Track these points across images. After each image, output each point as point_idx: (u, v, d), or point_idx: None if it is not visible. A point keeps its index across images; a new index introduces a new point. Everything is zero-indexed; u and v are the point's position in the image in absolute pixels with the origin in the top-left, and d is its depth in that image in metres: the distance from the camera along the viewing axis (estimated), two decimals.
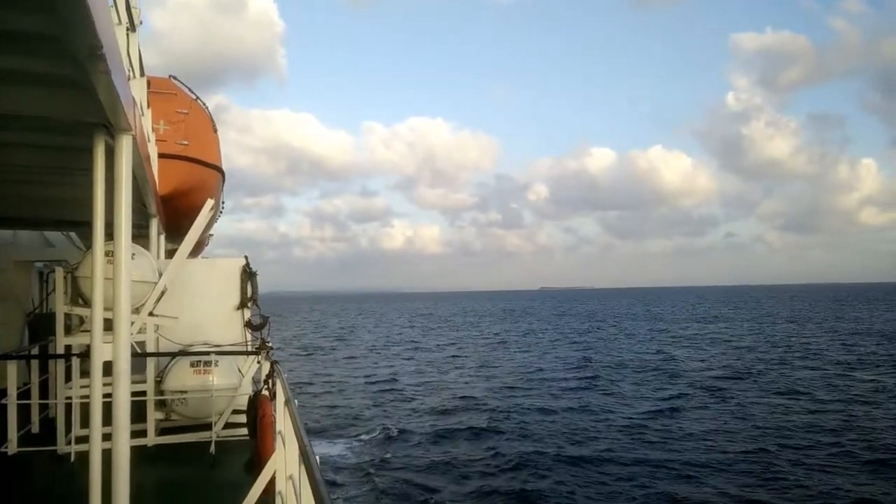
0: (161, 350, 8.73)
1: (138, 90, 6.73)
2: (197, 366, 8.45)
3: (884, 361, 37.99)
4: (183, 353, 8.69)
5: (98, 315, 4.27)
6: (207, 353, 8.53)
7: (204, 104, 15.45)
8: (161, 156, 11.90)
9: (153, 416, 8.28)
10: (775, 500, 14.88)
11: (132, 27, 6.08)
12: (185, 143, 13.81)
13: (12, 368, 7.81)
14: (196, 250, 15.58)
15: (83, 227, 11.10)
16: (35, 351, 9.32)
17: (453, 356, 47.62)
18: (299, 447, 3.35)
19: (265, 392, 7.45)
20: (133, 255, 7.09)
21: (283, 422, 4.67)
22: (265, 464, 5.22)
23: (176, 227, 12.39)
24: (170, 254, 11.42)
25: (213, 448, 7.82)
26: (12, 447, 7.60)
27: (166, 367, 8.64)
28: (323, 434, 21.59)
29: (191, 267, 9.55)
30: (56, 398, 8.15)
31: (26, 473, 7.33)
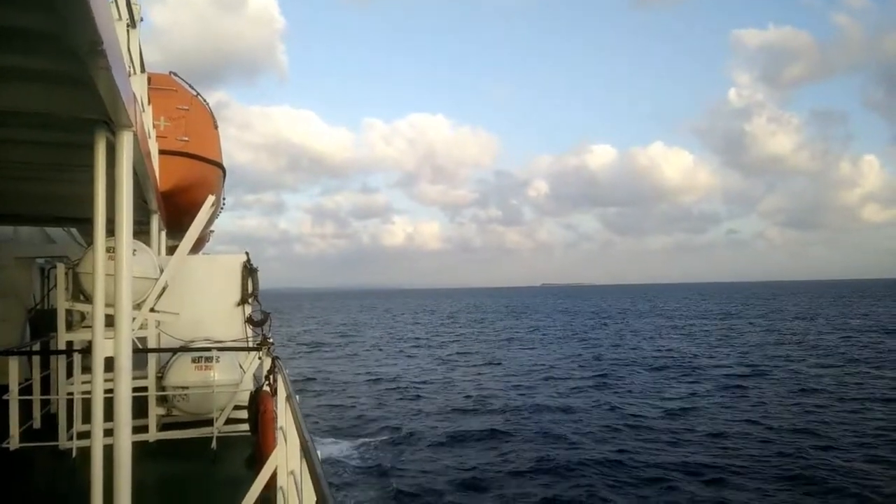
0: (162, 346, 8.76)
1: (139, 86, 6.73)
2: (198, 362, 8.47)
3: None
4: (184, 349, 8.71)
5: (99, 311, 4.28)
6: (209, 349, 8.56)
7: (204, 100, 15.47)
8: (162, 152, 11.92)
9: (154, 411, 8.31)
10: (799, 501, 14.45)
11: (132, 23, 6.08)
12: (186, 139, 13.83)
13: (14, 364, 7.83)
14: (197, 247, 15.61)
15: (84, 224, 11.12)
16: (36, 347, 9.33)
17: (459, 353, 47.08)
18: (300, 443, 3.35)
19: (266, 388, 7.46)
20: (134, 251, 7.11)
21: (284, 417, 4.69)
22: (266, 459, 5.23)
23: (177, 223, 12.42)
24: (171, 250, 11.45)
25: (214, 444, 7.84)
26: (14, 442, 7.63)
27: (167, 362, 8.66)
28: (327, 434, 21.00)
29: (192, 263, 9.56)
30: (57, 394, 8.17)
31: (28, 469, 7.36)
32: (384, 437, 20.93)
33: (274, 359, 7.32)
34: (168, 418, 8.59)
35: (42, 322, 10.83)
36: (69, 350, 8.15)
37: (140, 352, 8.05)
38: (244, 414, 7.93)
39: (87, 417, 5.20)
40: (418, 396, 28.58)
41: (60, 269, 8.17)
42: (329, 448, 18.88)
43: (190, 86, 15.05)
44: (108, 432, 4.07)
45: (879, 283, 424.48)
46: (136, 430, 6.14)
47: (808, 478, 15.90)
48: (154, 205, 9.51)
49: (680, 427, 21.46)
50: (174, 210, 12.21)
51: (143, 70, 7.79)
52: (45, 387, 8.72)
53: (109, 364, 4.13)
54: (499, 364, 39.92)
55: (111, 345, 4.14)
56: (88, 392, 4.39)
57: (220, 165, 15.97)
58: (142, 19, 7.22)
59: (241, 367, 8.91)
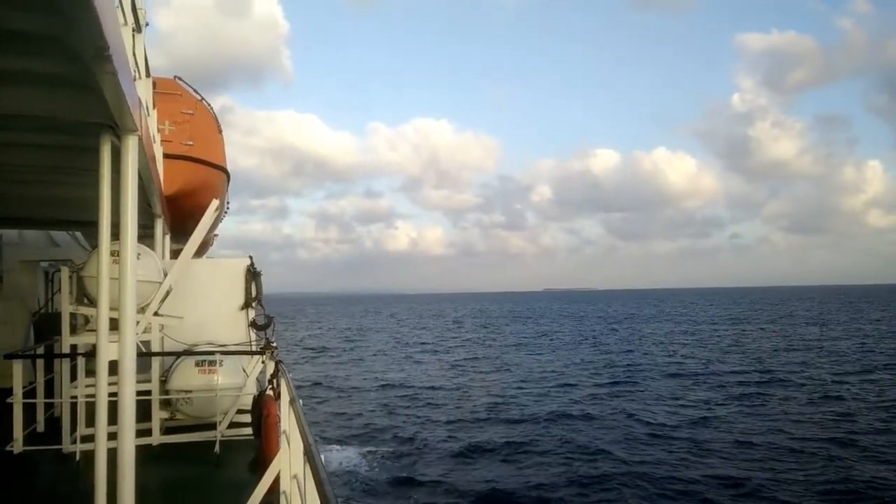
0: (166, 350, 8.76)
1: (144, 91, 6.76)
2: (202, 365, 8.47)
3: None
4: (188, 352, 8.71)
5: (103, 314, 4.29)
6: (212, 353, 8.56)
7: (209, 105, 15.52)
8: (166, 156, 11.96)
9: (158, 415, 8.31)
10: None
11: (138, 28, 6.11)
12: (191, 143, 13.87)
13: (18, 367, 7.85)
14: (201, 251, 15.63)
15: (89, 227, 11.16)
16: (41, 350, 9.35)
17: (467, 359, 46.37)
18: (304, 446, 3.35)
19: (270, 392, 7.46)
20: (138, 254, 7.11)
21: (287, 421, 4.68)
22: (270, 463, 5.23)
23: (181, 227, 12.44)
24: (175, 254, 11.47)
25: (217, 447, 7.83)
26: (18, 446, 7.64)
27: (171, 366, 8.66)
28: (333, 441, 20.41)
29: (196, 267, 9.57)
30: (61, 397, 8.19)
31: (31, 472, 7.36)
32: (394, 446, 20.27)
33: (277, 363, 7.32)
34: (171, 422, 8.59)
35: (46, 325, 10.86)
36: (73, 353, 8.15)
37: (144, 355, 8.05)
38: (247, 418, 7.91)
39: (90, 421, 5.20)
40: (428, 403, 27.89)
41: (65, 272, 8.19)
42: (335, 455, 18.46)
43: (194, 90, 15.11)
44: (112, 436, 4.07)
45: (884, 288, 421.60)
46: (140, 433, 6.14)
47: (840, 491, 15.24)
48: (158, 209, 9.53)
49: (703, 436, 20.63)
50: (178, 214, 12.23)
51: (148, 74, 7.82)
52: (49, 390, 8.72)
53: (113, 368, 4.14)
54: (509, 370, 39.23)
55: (115, 348, 4.14)
56: (92, 396, 4.40)
57: (224, 170, 16.01)
58: (147, 24, 7.25)
59: (244, 370, 8.91)
